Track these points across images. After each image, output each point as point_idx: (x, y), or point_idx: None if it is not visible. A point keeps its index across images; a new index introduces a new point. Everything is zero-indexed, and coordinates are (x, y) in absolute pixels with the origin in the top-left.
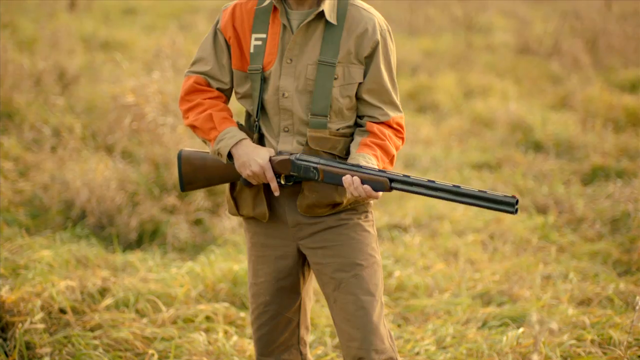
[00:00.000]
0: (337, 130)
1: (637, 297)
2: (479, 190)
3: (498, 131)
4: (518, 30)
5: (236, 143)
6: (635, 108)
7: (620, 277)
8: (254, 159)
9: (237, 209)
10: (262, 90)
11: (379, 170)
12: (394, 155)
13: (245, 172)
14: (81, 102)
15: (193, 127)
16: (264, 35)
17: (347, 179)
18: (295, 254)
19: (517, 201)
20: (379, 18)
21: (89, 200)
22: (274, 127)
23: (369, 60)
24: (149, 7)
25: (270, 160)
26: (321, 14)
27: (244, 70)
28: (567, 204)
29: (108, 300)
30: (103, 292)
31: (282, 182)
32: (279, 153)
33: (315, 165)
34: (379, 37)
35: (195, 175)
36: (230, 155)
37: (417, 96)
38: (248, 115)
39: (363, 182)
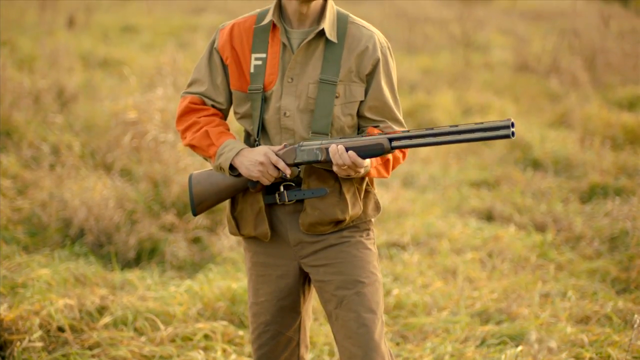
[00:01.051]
0: None
1: (636, 316)
2: (475, 124)
3: (496, 149)
4: (516, 48)
5: (236, 154)
6: (633, 126)
7: (619, 295)
8: (255, 157)
9: (238, 229)
10: (263, 110)
11: (378, 135)
12: (388, 160)
13: (253, 173)
14: (80, 120)
15: (192, 147)
16: (264, 55)
17: (332, 148)
18: (297, 272)
19: (512, 124)
20: (378, 35)
21: (87, 219)
22: (277, 145)
23: (370, 78)
24: (148, 25)
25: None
26: (321, 33)
27: (243, 90)
28: (565, 221)
29: (106, 319)
30: (101, 310)
31: (288, 177)
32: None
33: (318, 145)
34: (379, 54)
35: (204, 194)
36: (232, 168)
37: (415, 114)
38: (247, 134)
39: (359, 153)
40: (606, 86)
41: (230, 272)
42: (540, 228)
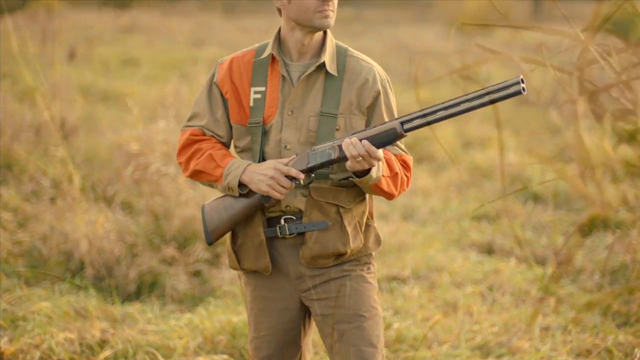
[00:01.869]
0: (340, 180)
1: (636, 349)
2: (484, 88)
3: (497, 182)
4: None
5: (243, 171)
6: (633, 159)
7: (619, 328)
8: (264, 171)
9: (238, 263)
10: (263, 143)
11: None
12: (397, 174)
13: (263, 187)
14: (80, 153)
15: (196, 173)
16: (262, 88)
17: (345, 141)
18: (298, 306)
19: (522, 79)
20: (377, 68)
21: (88, 252)
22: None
23: (370, 110)
24: (149, 57)
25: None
26: (322, 66)
27: (243, 124)
28: (565, 255)
29: (107, 352)
30: (102, 344)
31: (302, 182)
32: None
33: (330, 145)
34: (379, 86)
35: (218, 220)
36: (241, 186)
37: (415, 147)
38: None
39: (374, 141)
40: (606, 119)
41: (230, 306)
42: (541, 261)
